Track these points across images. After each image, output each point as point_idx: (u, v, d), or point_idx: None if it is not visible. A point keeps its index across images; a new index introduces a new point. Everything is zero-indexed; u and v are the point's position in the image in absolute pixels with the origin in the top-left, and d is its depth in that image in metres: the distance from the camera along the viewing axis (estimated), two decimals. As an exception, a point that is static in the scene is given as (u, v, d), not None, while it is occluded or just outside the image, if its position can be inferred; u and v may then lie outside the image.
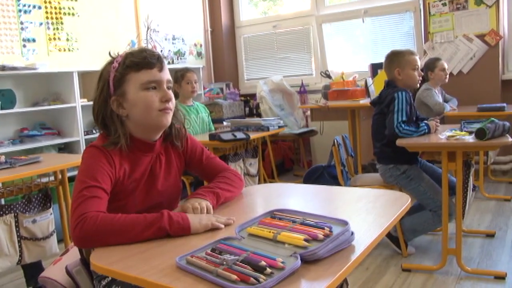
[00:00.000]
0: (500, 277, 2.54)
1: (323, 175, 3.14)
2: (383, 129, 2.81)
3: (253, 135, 3.52)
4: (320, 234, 1.02)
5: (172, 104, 1.50)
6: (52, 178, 2.80)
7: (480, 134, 2.40)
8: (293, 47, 6.18)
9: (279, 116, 5.15)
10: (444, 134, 2.56)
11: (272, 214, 1.22)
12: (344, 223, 1.07)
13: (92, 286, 1.52)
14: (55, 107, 4.22)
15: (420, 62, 2.97)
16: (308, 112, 5.47)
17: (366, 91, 4.34)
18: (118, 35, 5.21)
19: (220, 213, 1.43)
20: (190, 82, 3.86)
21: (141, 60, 1.45)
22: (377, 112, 2.91)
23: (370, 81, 4.42)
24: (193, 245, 1.15)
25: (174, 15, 6.00)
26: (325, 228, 1.05)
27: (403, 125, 2.67)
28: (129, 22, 5.40)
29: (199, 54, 6.46)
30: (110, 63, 1.50)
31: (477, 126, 2.57)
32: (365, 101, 4.17)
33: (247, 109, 5.52)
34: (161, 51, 5.87)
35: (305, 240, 1.00)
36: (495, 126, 2.43)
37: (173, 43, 6.05)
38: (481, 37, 4.79)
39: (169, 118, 1.50)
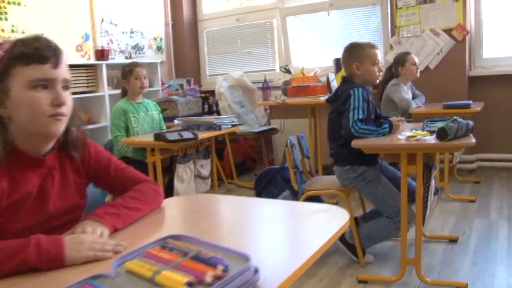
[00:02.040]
0: (461, 288, 2.35)
1: (276, 179, 2.91)
2: (339, 128, 2.58)
3: (203, 135, 3.27)
4: (208, 276, 0.77)
5: (66, 108, 1.22)
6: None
7: (441, 134, 2.19)
8: (257, 41, 5.94)
9: (238, 114, 4.91)
10: (403, 134, 2.35)
11: (164, 243, 0.96)
12: (246, 258, 0.83)
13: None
14: None
15: (381, 56, 2.76)
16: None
17: (328, 87, 4.11)
18: (70, 28, 4.86)
19: (114, 234, 1.17)
20: (138, 77, 3.58)
21: (33, 52, 1.17)
22: (333, 110, 2.69)
23: (332, 76, 4.19)
24: (62, 282, 0.89)
25: (132, 7, 5.68)
26: (218, 266, 0.80)
27: (359, 124, 2.44)
28: (83, 13, 5.06)
29: (159, 49, 6.16)
30: None
31: (440, 125, 2.37)
32: (326, 98, 3.94)
33: (206, 106, 5.24)
34: (118, 45, 5.56)
35: (188, 284, 0.76)
36: (458, 126, 2.23)
37: (131, 36, 5.74)
38: (448, 31, 4.62)
39: (60, 127, 1.22)
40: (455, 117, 2.29)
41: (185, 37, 6.31)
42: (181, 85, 5.85)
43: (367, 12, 5.15)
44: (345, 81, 2.72)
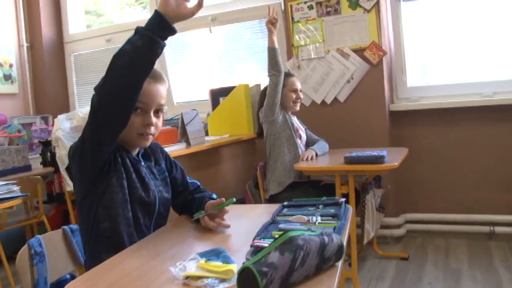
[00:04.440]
0: None
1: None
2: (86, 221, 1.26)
3: None
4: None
5: None
6: None
7: (244, 285, 0.89)
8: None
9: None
10: (178, 269, 1.03)
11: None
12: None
13: None
14: None
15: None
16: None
17: (182, 133, 2.79)
18: None
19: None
20: None
21: None
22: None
23: (192, 115, 2.87)
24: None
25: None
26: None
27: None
28: None
29: (7, 78, 4.73)
30: None
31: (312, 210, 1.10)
32: (177, 148, 2.64)
33: (49, 154, 3.83)
34: None
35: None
36: (294, 258, 0.92)
37: (-41, 61, 4.32)
38: (359, 52, 3.45)
39: None
40: (292, 235, 0.99)
41: (46, 62, 4.94)
42: (30, 125, 4.46)
43: (259, 28, 3.93)
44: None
